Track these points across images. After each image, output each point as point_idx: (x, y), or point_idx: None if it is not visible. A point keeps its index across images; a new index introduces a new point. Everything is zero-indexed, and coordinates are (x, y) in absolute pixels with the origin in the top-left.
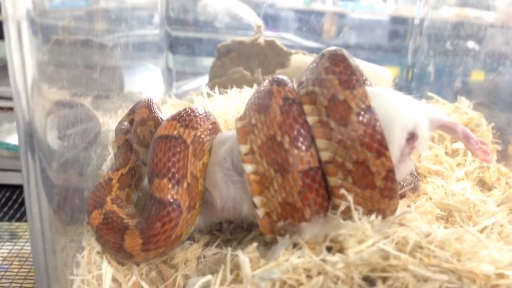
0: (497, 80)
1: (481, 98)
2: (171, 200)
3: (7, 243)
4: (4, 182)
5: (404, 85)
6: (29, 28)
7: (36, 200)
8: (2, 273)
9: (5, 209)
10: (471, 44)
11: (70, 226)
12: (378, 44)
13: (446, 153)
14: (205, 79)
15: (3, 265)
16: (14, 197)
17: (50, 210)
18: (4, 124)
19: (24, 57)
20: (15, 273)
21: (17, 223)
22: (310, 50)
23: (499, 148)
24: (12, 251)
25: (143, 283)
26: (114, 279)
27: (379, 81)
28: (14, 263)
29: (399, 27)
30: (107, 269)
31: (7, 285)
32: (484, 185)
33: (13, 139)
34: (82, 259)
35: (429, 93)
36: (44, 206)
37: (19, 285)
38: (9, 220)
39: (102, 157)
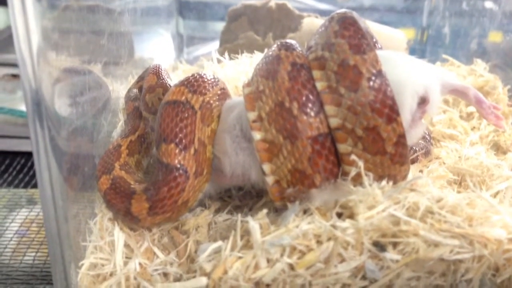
0: None
1: (497, 60)
2: (178, 166)
3: (24, 209)
4: (19, 149)
5: (418, 48)
6: None
7: (46, 167)
8: (19, 239)
9: (21, 176)
10: (488, 4)
11: (82, 193)
12: (392, 5)
13: (461, 116)
14: (216, 44)
15: (20, 230)
16: (30, 164)
17: (61, 178)
18: (18, 91)
19: (28, 24)
20: (32, 239)
21: (33, 190)
22: (323, 13)
23: None
24: (29, 217)
25: (155, 249)
26: (126, 245)
27: (392, 44)
28: (31, 229)
29: None
30: (119, 235)
31: (24, 250)
32: (499, 149)
33: None
34: (95, 225)
35: (444, 56)
36: (55, 174)
37: (35, 250)
38: (25, 186)
39: (113, 124)
